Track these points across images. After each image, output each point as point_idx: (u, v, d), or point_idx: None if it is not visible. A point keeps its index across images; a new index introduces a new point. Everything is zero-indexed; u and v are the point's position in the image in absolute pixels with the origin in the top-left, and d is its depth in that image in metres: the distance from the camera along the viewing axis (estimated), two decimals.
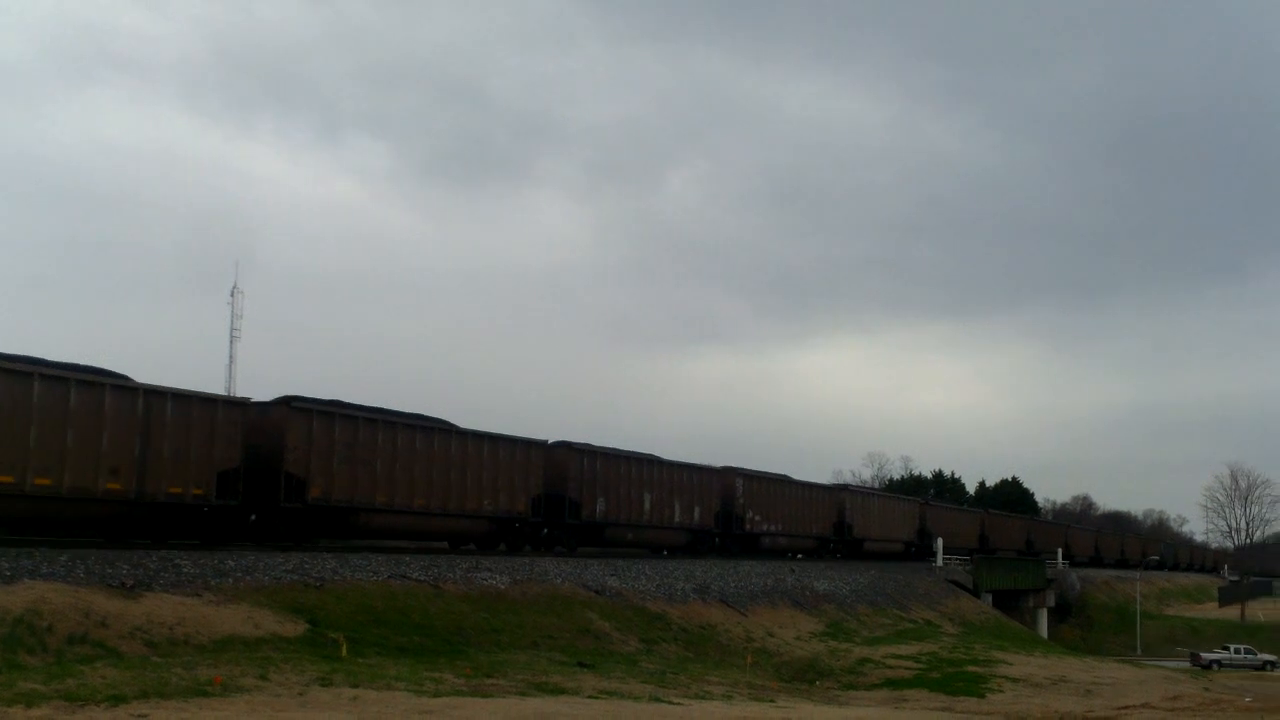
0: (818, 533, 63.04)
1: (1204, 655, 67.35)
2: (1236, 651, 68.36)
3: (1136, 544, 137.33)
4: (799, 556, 61.70)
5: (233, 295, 63.54)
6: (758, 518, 56.27)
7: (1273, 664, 66.94)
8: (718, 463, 55.20)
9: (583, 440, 45.53)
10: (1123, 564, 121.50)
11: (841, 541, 65.58)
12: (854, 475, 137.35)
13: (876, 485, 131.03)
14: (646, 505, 47.75)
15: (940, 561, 73.32)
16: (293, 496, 32.82)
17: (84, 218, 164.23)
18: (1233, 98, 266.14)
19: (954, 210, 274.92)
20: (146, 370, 30.75)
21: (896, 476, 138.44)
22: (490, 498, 39.79)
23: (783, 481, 59.82)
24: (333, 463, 33.81)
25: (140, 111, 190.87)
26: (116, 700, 17.32)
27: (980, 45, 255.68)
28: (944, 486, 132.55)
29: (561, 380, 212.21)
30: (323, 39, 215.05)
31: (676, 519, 49.95)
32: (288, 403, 33.28)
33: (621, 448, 47.65)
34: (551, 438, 44.89)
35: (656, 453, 49.85)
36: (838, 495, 67.17)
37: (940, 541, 75.20)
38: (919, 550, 75.50)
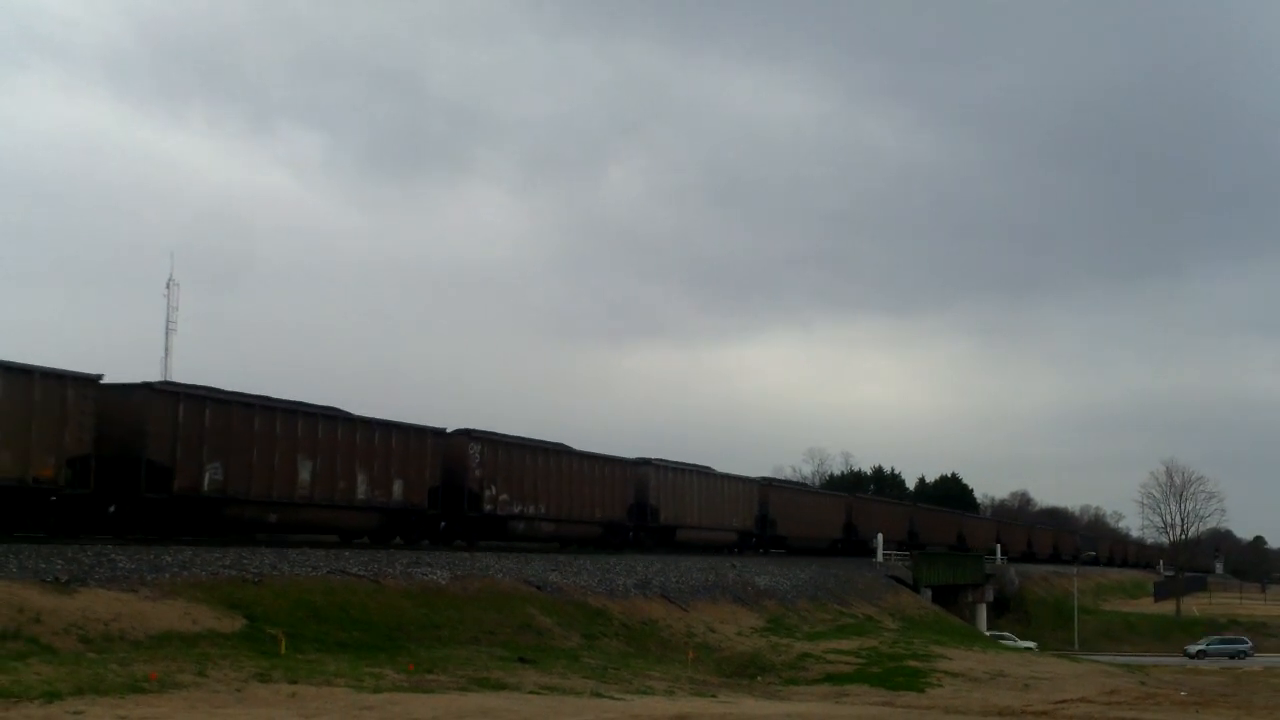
0: (739, 526, 60.49)
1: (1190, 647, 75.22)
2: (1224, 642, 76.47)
3: (1070, 540, 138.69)
4: (736, 551, 59.89)
5: (168, 288, 62.75)
6: (674, 510, 53.64)
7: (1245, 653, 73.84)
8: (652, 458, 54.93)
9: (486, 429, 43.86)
10: (1055, 558, 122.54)
11: (764, 536, 63.23)
12: (794, 470, 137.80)
13: (817, 481, 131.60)
14: (554, 497, 45.20)
15: (880, 557, 73.77)
16: (156, 487, 30.30)
17: (11, 205, 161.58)
18: (1167, 97, 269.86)
19: (890, 206, 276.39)
20: (80, 363, 29.80)
21: (837, 472, 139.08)
22: (382, 489, 37.33)
23: (700, 473, 57.10)
24: (202, 451, 31.35)
25: (67, 98, 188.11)
26: (51, 697, 17.09)
27: (916, 42, 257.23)
28: (884, 482, 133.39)
29: (498, 375, 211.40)
30: (253, 26, 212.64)
31: (586, 512, 47.59)
32: (150, 386, 31.43)
33: (531, 436, 45.43)
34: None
35: (592, 448, 49.72)
36: (761, 489, 64.37)
37: (880, 537, 75.60)
38: (846, 546, 73.39)
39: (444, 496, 40.20)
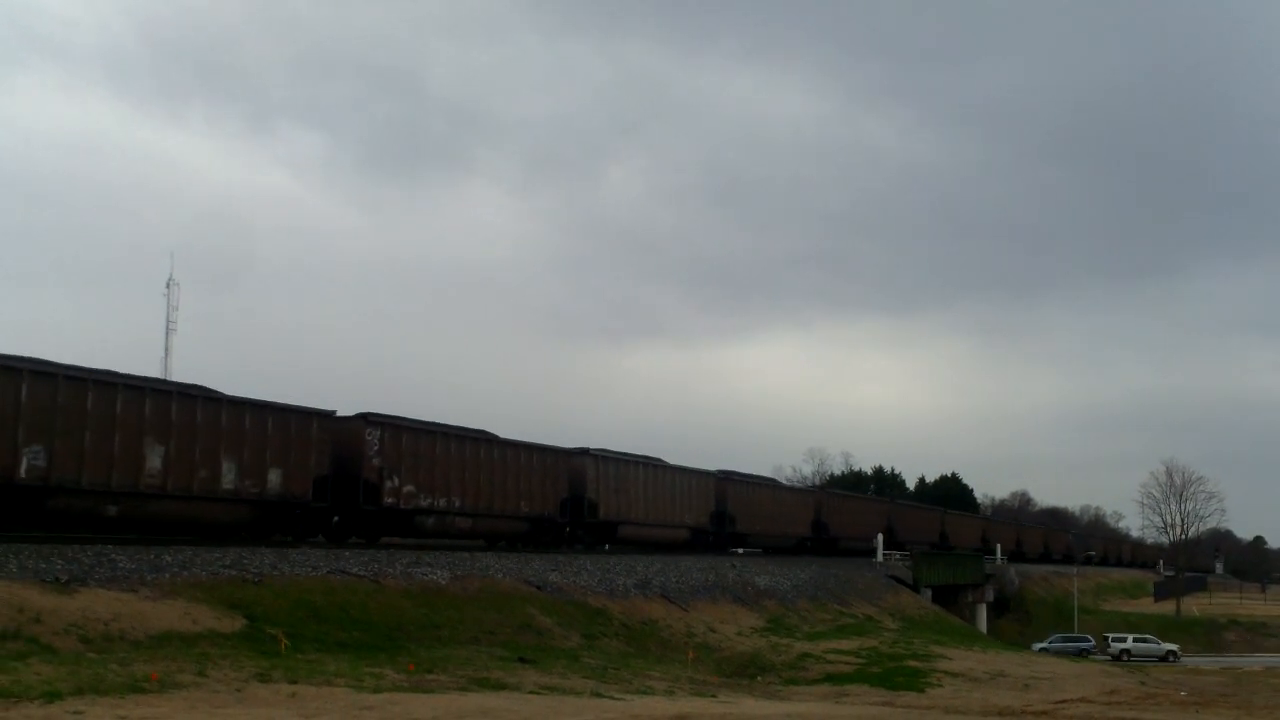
0: (692, 523, 56.03)
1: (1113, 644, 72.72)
2: (1138, 641, 73.23)
3: (1062, 538, 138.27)
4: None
5: (168, 288, 62.82)
6: (616, 506, 49.34)
7: (1174, 655, 70.42)
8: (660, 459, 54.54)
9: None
10: (1046, 558, 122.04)
11: (721, 534, 58.96)
12: (794, 471, 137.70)
13: (817, 481, 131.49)
14: (472, 489, 41.16)
15: (880, 557, 73.72)
16: None
17: (11, 205, 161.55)
18: (1167, 97, 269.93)
19: (890, 206, 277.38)
20: (81, 364, 29.41)
21: (837, 472, 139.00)
22: (254, 478, 33.32)
23: (648, 465, 52.73)
24: (17, 432, 27.55)
25: (68, 98, 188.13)
26: (52, 697, 17.08)
27: (917, 42, 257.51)
28: (884, 482, 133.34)
29: (498, 375, 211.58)
30: (253, 26, 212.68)
31: (512, 506, 43.27)
32: None
33: (453, 423, 41.62)
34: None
35: (600, 445, 49.35)
36: (718, 483, 59.27)
37: (881, 537, 75.50)
38: (815, 545, 69.29)
39: (336, 488, 36.23)
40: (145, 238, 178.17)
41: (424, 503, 39.17)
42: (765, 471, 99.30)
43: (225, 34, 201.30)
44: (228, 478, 32.57)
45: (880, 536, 75.57)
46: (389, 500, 37.69)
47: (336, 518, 37.54)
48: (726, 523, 59.13)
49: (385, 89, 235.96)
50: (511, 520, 43.97)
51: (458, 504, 40.58)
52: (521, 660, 28.37)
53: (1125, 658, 67.76)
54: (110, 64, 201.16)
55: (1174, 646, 72.96)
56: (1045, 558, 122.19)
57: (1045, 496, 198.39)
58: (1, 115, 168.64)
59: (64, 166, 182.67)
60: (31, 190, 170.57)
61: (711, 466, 60.30)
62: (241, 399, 33.41)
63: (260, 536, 34.50)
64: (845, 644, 42.64)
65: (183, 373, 56.09)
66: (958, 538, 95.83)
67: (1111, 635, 75.57)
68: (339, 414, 37.11)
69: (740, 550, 62.38)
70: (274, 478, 34.05)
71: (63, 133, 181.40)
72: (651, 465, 53.11)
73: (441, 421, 41.14)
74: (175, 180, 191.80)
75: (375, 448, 37.39)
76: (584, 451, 48.16)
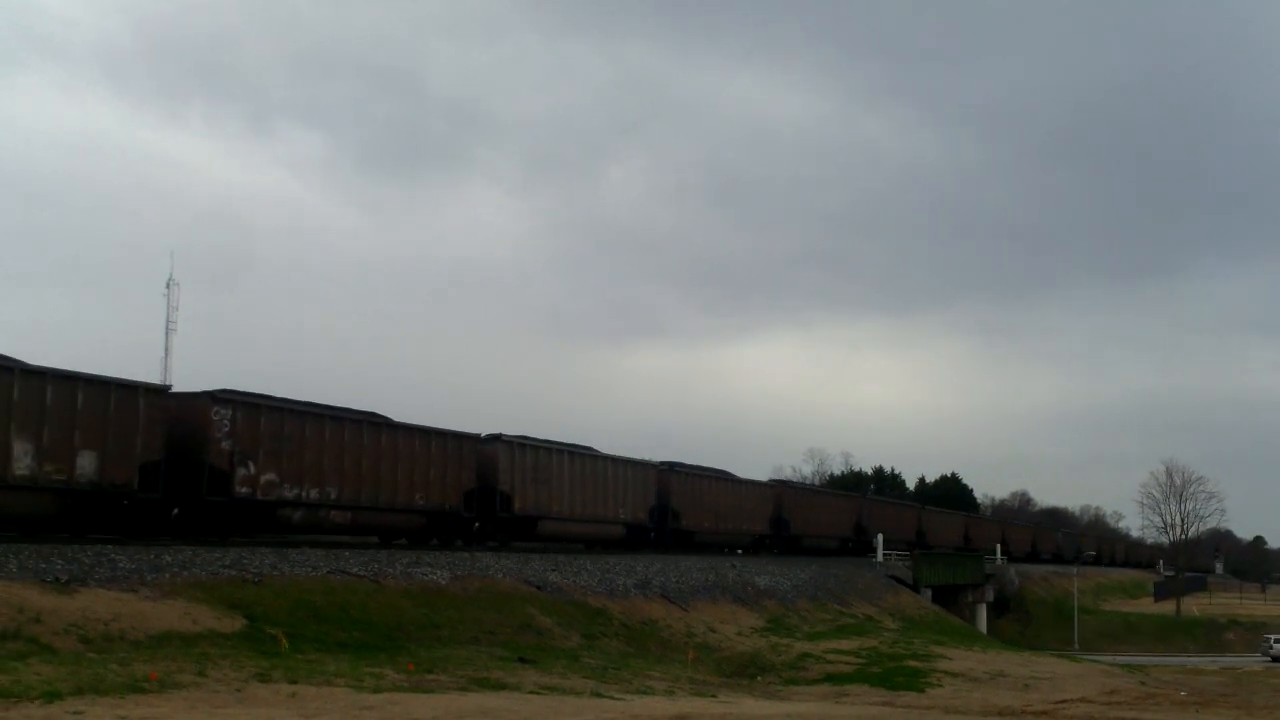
0: (628, 519, 50.95)
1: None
2: None
3: (1051, 537, 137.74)
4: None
5: (168, 288, 62.72)
6: (536, 499, 44.46)
7: None
8: (656, 458, 53.43)
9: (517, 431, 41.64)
10: (1033, 558, 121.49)
11: (664, 530, 53.98)
12: (794, 471, 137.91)
13: (818, 481, 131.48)
14: (351, 480, 36.33)
15: (880, 557, 73.72)
16: None
17: (11, 205, 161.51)
18: (1167, 97, 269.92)
19: (890, 206, 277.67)
20: (81, 364, 29.06)
21: (837, 472, 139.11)
22: (59, 463, 28.69)
23: (575, 454, 47.79)
24: None
25: (67, 98, 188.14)
26: (51, 697, 17.07)
27: (917, 42, 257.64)
28: (884, 482, 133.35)
29: (498, 375, 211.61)
30: (252, 25, 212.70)
31: (404, 499, 38.62)
32: None
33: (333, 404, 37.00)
34: (484, 432, 42.41)
35: (595, 446, 48.75)
36: (660, 475, 54.30)
37: (880, 537, 75.52)
38: (775, 543, 65.01)
39: (173, 476, 31.54)
40: (145, 238, 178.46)
41: (289, 493, 34.15)
42: (765, 472, 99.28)
43: (225, 34, 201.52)
44: (22, 463, 27.78)
45: (880, 537, 75.55)
46: (242, 490, 32.71)
47: (176, 510, 32.46)
48: (670, 518, 54.16)
49: (385, 89, 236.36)
50: (404, 514, 39.09)
51: (333, 495, 35.69)
52: (521, 660, 28.36)
53: None
54: (109, 64, 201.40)
55: None
56: (1033, 557, 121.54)
57: (1045, 496, 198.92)
58: (1, 115, 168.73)
59: (64, 166, 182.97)
60: (31, 190, 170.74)
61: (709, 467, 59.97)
62: (40, 369, 28.52)
63: (73, 532, 30.06)
64: (845, 644, 42.63)
65: (183, 372, 56.18)
66: (937, 536, 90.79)
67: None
68: (175, 389, 33.39)
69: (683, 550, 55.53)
70: (86, 463, 29.27)
71: (62, 133, 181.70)
72: (580, 454, 48.19)
73: (324, 402, 36.76)
74: (175, 180, 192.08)
75: (225, 429, 32.35)
76: (496, 437, 43.12)
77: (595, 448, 49.90)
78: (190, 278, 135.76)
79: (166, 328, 62.00)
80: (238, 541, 32.73)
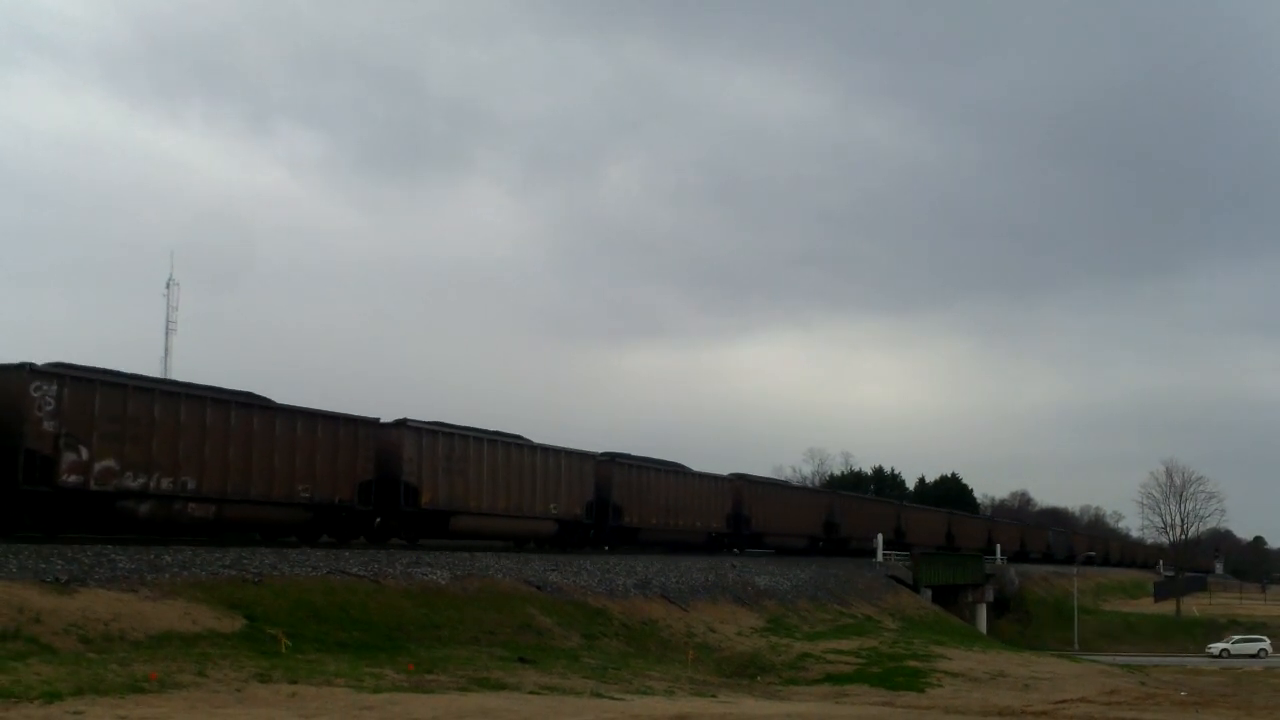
0: (563, 514, 46.59)
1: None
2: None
3: (1040, 537, 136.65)
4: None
5: (168, 288, 62.84)
6: (449, 491, 40.19)
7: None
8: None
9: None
10: (1022, 556, 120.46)
11: (604, 527, 49.93)
12: (794, 470, 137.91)
13: (818, 482, 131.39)
14: (216, 468, 32.08)
15: (880, 557, 73.72)
16: None
17: (11, 205, 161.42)
18: (1167, 97, 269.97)
19: (890, 206, 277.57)
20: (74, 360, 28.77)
21: (837, 472, 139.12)
22: None
23: (496, 443, 43.06)
24: None
25: (66, 98, 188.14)
26: (51, 697, 17.06)
27: (916, 41, 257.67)
28: (884, 482, 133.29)
29: (498, 375, 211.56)
30: (252, 25, 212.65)
31: (283, 490, 34.37)
32: None
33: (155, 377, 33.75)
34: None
35: (591, 449, 48.54)
36: (599, 466, 49.83)
37: (880, 538, 75.52)
38: (733, 540, 61.40)
39: None
40: (145, 238, 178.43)
41: (132, 483, 29.76)
42: (765, 471, 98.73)
43: (224, 33, 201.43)
44: None
45: (880, 537, 75.56)
46: (70, 479, 28.29)
47: None
48: (611, 514, 49.94)
49: (385, 88, 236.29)
50: (284, 508, 35.00)
51: (190, 486, 31.34)
52: (521, 660, 28.36)
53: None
54: (108, 63, 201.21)
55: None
56: (1022, 556, 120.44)
57: (1045, 496, 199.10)
58: (2, 115, 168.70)
59: (63, 166, 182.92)
60: (31, 190, 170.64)
61: (712, 467, 59.60)
62: None
63: None
64: (845, 644, 42.62)
65: (183, 373, 56.00)
66: (917, 535, 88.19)
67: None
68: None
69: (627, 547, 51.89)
70: None
71: (62, 132, 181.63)
72: (504, 443, 43.57)
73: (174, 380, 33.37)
74: (174, 180, 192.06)
75: (49, 408, 27.84)
76: (401, 423, 38.88)
77: (525, 436, 45.50)
78: (190, 278, 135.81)
79: (166, 327, 62.17)
80: (235, 541, 32.57)
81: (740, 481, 63.28)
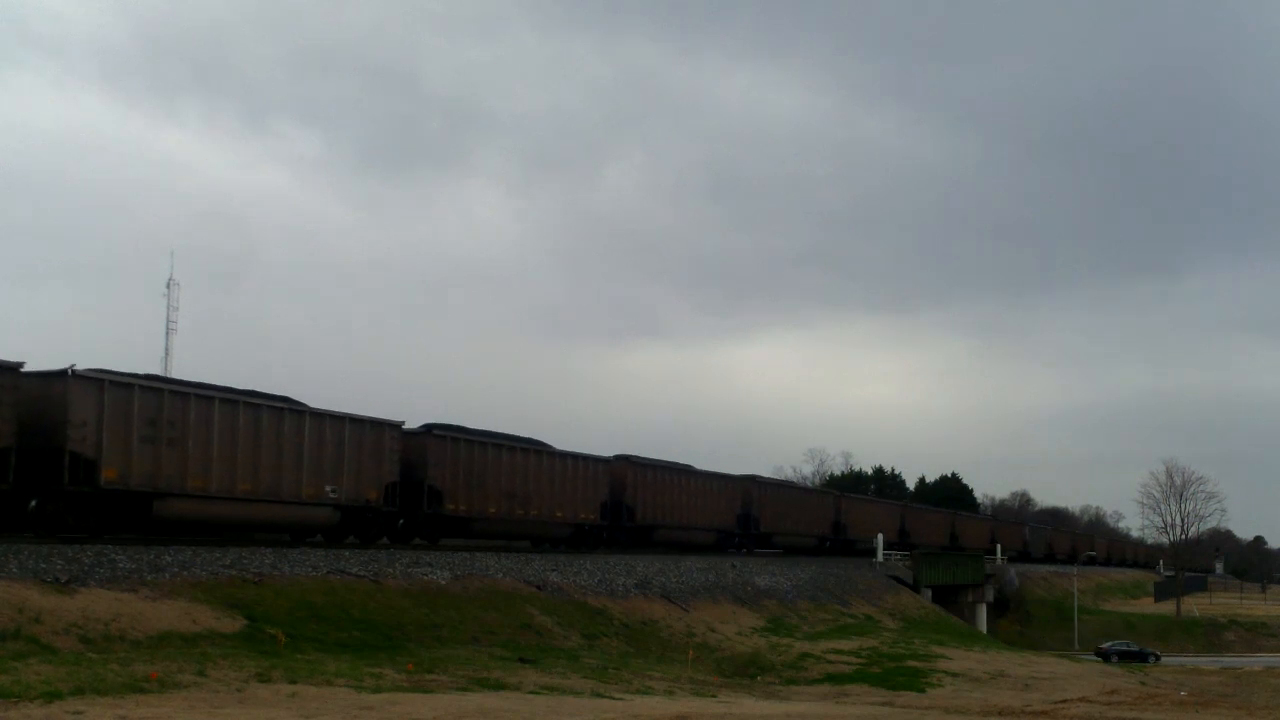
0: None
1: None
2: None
3: (1008, 533, 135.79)
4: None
5: (168, 287, 62.86)
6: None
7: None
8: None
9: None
10: (1024, 556, 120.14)
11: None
12: (794, 470, 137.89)
13: (818, 481, 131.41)
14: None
15: (880, 557, 73.69)
16: None
17: (11, 205, 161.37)
18: (1167, 96, 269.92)
19: (890, 205, 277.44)
20: (81, 364, 28.79)
21: (837, 472, 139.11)
22: None
23: (518, 449, 44.20)
24: None
25: (64, 96, 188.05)
26: (51, 697, 17.05)
27: (916, 39, 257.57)
28: (884, 482, 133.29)
29: (497, 375, 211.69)
30: (248, 23, 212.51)
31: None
32: None
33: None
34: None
35: (591, 450, 48.40)
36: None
37: (881, 537, 75.49)
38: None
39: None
40: (145, 238, 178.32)
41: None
42: (764, 471, 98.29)
43: (221, 32, 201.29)
44: None
45: (880, 537, 75.50)
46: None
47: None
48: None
49: (382, 86, 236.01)
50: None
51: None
52: (521, 660, 28.36)
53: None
54: (106, 62, 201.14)
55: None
56: (1024, 556, 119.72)
57: (1045, 496, 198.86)
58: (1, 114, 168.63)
59: (62, 165, 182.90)
60: (31, 189, 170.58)
61: (711, 466, 59.69)
62: None
63: None
64: (845, 644, 42.63)
65: (183, 372, 55.99)
66: (921, 535, 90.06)
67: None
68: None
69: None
70: None
71: (61, 132, 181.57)
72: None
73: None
74: (173, 179, 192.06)
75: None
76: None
77: (525, 436, 45.98)
78: (190, 277, 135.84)
79: (167, 327, 62.16)
80: (235, 541, 32.63)
81: (750, 482, 63.76)
